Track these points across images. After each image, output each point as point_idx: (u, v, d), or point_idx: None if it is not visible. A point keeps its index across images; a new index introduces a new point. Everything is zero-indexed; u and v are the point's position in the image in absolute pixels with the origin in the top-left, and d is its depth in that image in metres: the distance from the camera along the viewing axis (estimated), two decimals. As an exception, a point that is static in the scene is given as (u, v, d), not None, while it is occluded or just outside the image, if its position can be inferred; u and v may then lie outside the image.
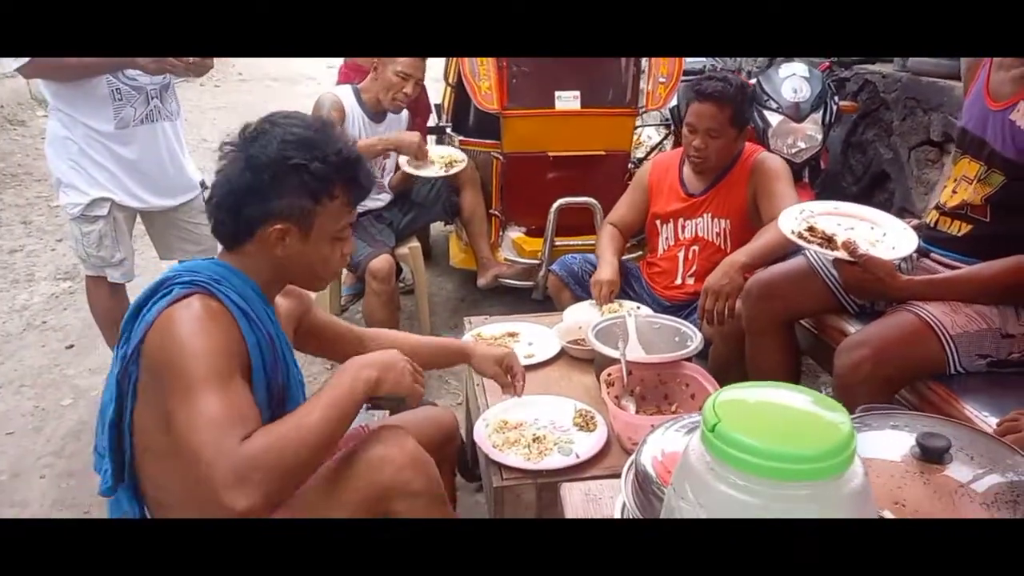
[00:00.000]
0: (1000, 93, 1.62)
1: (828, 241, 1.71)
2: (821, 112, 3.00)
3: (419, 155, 3.00)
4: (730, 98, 2.28)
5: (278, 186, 1.25)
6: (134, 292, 3.37)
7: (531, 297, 3.24)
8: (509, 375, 1.70)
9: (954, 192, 1.71)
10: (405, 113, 3.15)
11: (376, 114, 3.02)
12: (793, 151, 3.00)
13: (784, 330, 1.92)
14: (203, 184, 2.74)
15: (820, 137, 3.00)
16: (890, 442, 1.03)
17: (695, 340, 1.93)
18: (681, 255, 2.49)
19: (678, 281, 2.50)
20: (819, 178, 3.23)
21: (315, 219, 1.29)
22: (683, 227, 2.48)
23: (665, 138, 3.92)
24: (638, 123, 3.44)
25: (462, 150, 3.30)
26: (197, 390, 1.12)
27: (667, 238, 2.52)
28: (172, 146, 2.57)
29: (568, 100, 3.09)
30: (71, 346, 3.21)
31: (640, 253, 2.75)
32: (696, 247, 2.46)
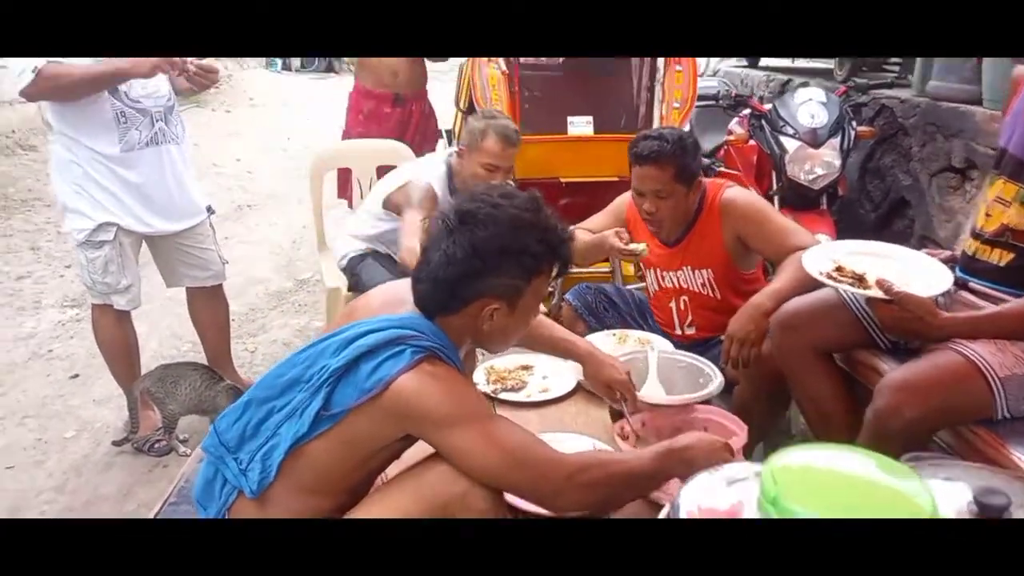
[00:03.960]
0: None
1: (859, 280, 1.63)
2: (839, 138, 2.94)
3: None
4: (668, 156, 2.11)
5: (499, 269, 1.29)
6: (140, 320, 3.37)
7: (543, 326, 3.18)
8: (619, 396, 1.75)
9: (988, 215, 1.64)
10: None
11: None
12: (811, 177, 2.94)
13: (821, 359, 1.83)
14: (209, 209, 2.70)
15: (838, 163, 2.94)
16: (943, 496, 0.95)
17: (715, 382, 1.86)
18: (673, 306, 2.38)
19: (678, 332, 2.40)
20: (835, 205, 3.17)
21: (524, 295, 1.33)
22: (663, 277, 2.38)
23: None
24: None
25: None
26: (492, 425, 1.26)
27: (652, 283, 2.43)
28: (178, 169, 2.53)
29: (581, 125, 3.05)
30: (76, 376, 3.15)
31: (644, 285, 2.69)
32: (685, 298, 2.35)
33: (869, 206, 3.49)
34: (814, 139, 2.92)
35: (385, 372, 1.24)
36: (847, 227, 3.17)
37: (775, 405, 2.25)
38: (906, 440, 1.47)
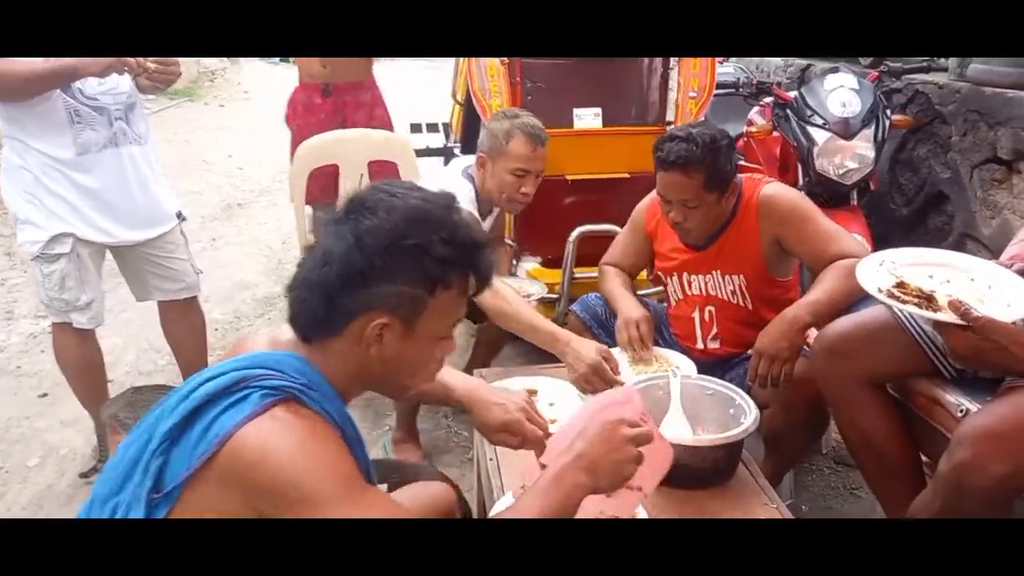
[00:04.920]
0: None
1: (928, 300, 1.38)
2: (873, 128, 2.67)
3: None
4: (697, 161, 1.86)
5: (389, 271, 1.01)
6: (115, 331, 3.13)
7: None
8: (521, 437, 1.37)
9: None
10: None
11: (483, 212, 2.44)
12: (841, 172, 2.67)
13: (873, 391, 1.58)
14: (180, 215, 2.45)
15: (872, 156, 2.67)
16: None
17: (749, 416, 1.60)
18: (696, 316, 2.13)
19: (700, 345, 2.15)
20: (864, 199, 2.90)
21: (423, 313, 1.05)
22: (689, 283, 2.12)
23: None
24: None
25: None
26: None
27: (675, 291, 2.18)
28: (142, 173, 2.28)
29: (588, 118, 2.80)
30: (44, 395, 2.93)
31: (660, 288, 2.44)
32: (711, 307, 2.10)
33: (901, 201, 3.22)
34: (846, 130, 2.64)
35: (221, 426, 0.95)
36: (876, 224, 2.91)
37: (809, 434, 2.01)
38: (989, 499, 1.22)
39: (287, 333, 1.12)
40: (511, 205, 2.38)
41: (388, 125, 3.29)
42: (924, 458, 1.62)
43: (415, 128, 4.41)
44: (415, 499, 1.35)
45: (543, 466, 1.19)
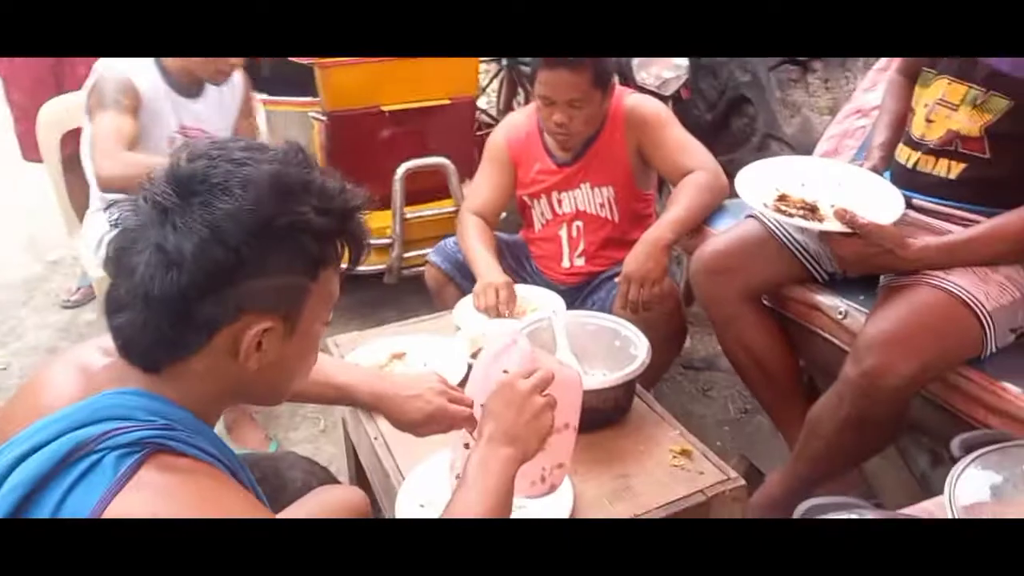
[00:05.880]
0: None
1: (811, 210, 1.39)
2: (682, 35, 2.69)
3: None
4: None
5: (262, 262, 0.78)
6: None
7: (384, 282, 2.74)
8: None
9: (930, 121, 1.43)
10: (238, 78, 2.16)
11: (190, 87, 2.05)
12: (659, 83, 2.69)
13: (752, 304, 1.59)
14: None
15: (686, 64, 2.72)
16: None
17: (640, 348, 1.56)
18: (564, 233, 2.10)
19: (565, 264, 2.12)
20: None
21: (306, 303, 0.83)
22: (559, 201, 2.07)
23: (497, 75, 3.48)
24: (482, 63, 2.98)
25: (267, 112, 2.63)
26: None
27: (542, 213, 2.12)
28: None
29: (398, 41, 2.54)
30: None
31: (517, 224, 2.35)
32: (579, 223, 2.08)
33: (704, 106, 3.32)
34: (659, 39, 2.64)
35: (77, 513, 0.71)
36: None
37: (671, 348, 2.03)
38: (897, 399, 1.27)
39: (95, 356, 0.85)
40: (217, 75, 2.02)
41: None
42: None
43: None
44: (325, 510, 1.15)
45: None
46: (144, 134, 1.95)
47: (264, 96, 2.84)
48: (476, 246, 1.98)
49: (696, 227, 1.87)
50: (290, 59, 2.54)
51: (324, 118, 2.59)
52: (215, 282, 0.76)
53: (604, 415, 1.52)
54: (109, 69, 1.92)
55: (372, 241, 2.67)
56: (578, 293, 2.10)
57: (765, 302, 1.64)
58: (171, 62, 2.00)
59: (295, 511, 1.15)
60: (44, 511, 0.70)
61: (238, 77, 2.15)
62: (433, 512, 1.26)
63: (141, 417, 0.76)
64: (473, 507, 0.89)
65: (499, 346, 1.15)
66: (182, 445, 0.77)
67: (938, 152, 1.42)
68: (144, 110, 1.96)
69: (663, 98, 2.72)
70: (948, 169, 1.41)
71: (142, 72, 1.96)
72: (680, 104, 3.07)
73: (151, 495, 0.72)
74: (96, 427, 0.74)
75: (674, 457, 1.41)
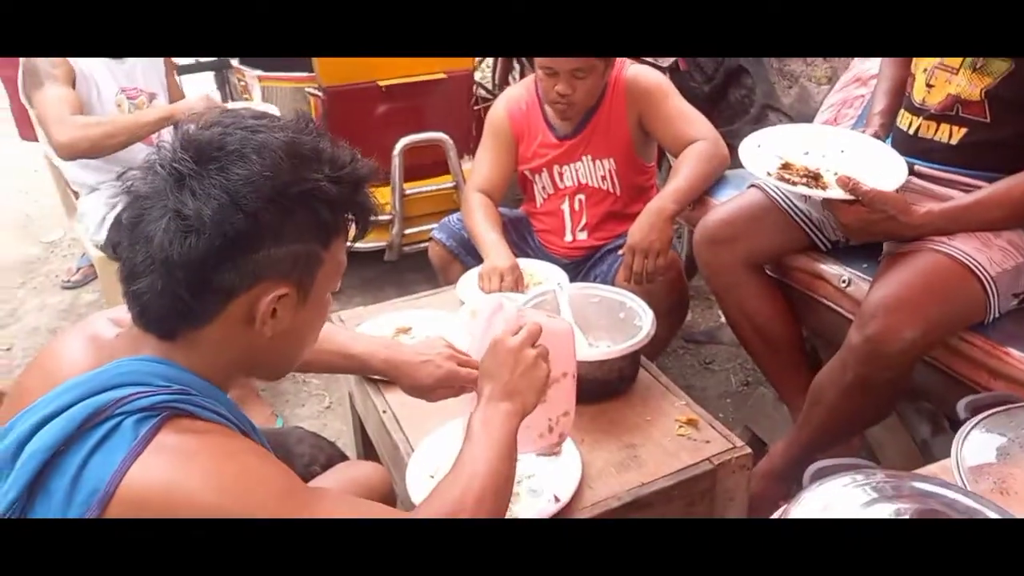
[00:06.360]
0: None
1: (815, 178, 1.39)
2: (680, 6, 2.67)
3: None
4: None
5: (278, 229, 0.79)
6: None
7: (384, 259, 2.75)
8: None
9: (930, 86, 1.43)
10: None
11: None
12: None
13: (754, 273, 1.60)
14: None
15: (684, 35, 2.68)
16: None
17: (645, 319, 1.56)
18: (566, 207, 2.09)
19: (568, 238, 2.11)
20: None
21: (319, 271, 0.85)
22: (560, 175, 2.07)
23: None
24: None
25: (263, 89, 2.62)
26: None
27: (544, 188, 2.11)
28: None
29: (395, 14, 2.52)
30: None
31: (518, 199, 2.35)
32: (581, 196, 2.07)
33: (701, 78, 3.30)
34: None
35: (97, 478, 0.72)
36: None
37: (673, 320, 2.04)
38: (902, 364, 1.28)
39: (107, 327, 0.86)
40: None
41: None
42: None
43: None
44: (347, 487, 1.17)
45: None
46: (89, 102, 2.03)
47: (260, 72, 2.84)
48: (482, 226, 1.97)
49: (698, 198, 1.87)
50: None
51: (320, 94, 2.59)
52: (234, 248, 0.77)
53: (610, 386, 1.53)
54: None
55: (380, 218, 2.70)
56: (581, 267, 2.11)
57: (768, 271, 1.64)
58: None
59: (325, 484, 1.17)
60: (66, 476, 0.72)
61: None
62: None
63: (157, 383, 0.78)
64: (479, 462, 0.91)
65: (487, 313, 1.18)
66: (199, 409, 0.78)
67: (939, 117, 1.42)
68: (82, 79, 2.03)
69: (660, 69, 2.70)
70: (949, 135, 1.41)
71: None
72: (677, 75, 3.06)
73: (171, 457, 0.73)
74: (113, 392, 0.75)
75: (680, 427, 1.42)
